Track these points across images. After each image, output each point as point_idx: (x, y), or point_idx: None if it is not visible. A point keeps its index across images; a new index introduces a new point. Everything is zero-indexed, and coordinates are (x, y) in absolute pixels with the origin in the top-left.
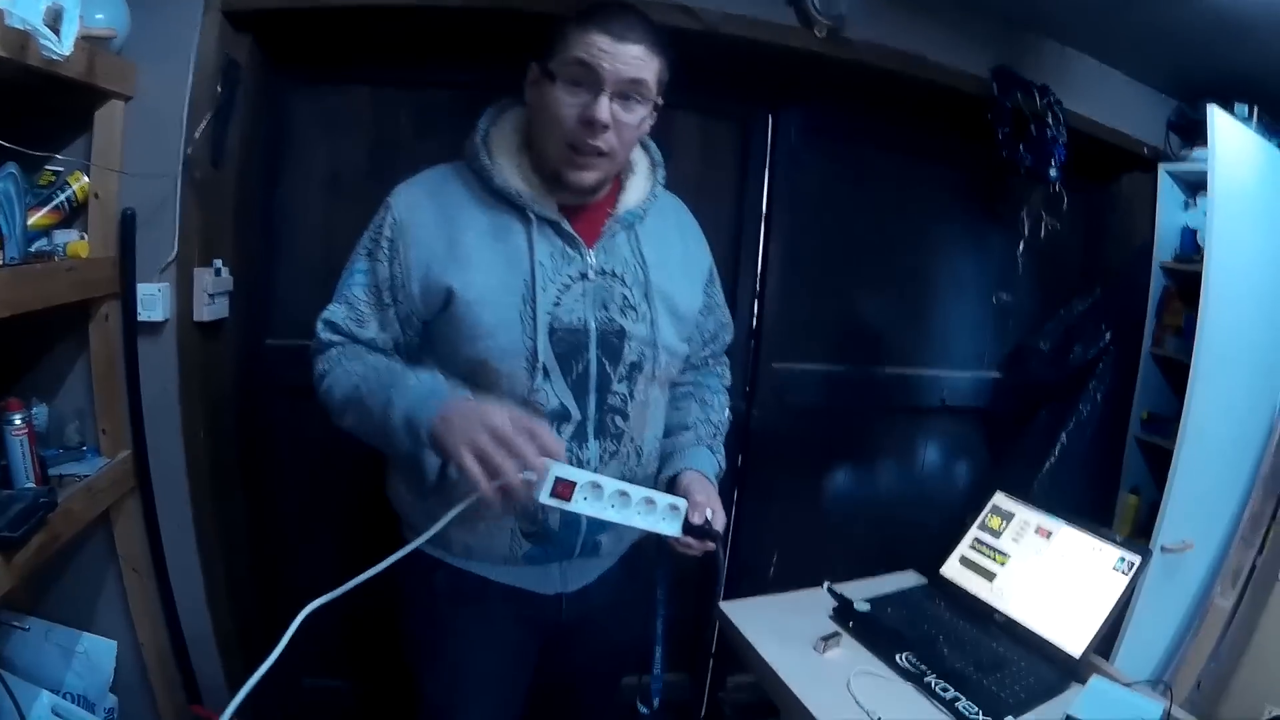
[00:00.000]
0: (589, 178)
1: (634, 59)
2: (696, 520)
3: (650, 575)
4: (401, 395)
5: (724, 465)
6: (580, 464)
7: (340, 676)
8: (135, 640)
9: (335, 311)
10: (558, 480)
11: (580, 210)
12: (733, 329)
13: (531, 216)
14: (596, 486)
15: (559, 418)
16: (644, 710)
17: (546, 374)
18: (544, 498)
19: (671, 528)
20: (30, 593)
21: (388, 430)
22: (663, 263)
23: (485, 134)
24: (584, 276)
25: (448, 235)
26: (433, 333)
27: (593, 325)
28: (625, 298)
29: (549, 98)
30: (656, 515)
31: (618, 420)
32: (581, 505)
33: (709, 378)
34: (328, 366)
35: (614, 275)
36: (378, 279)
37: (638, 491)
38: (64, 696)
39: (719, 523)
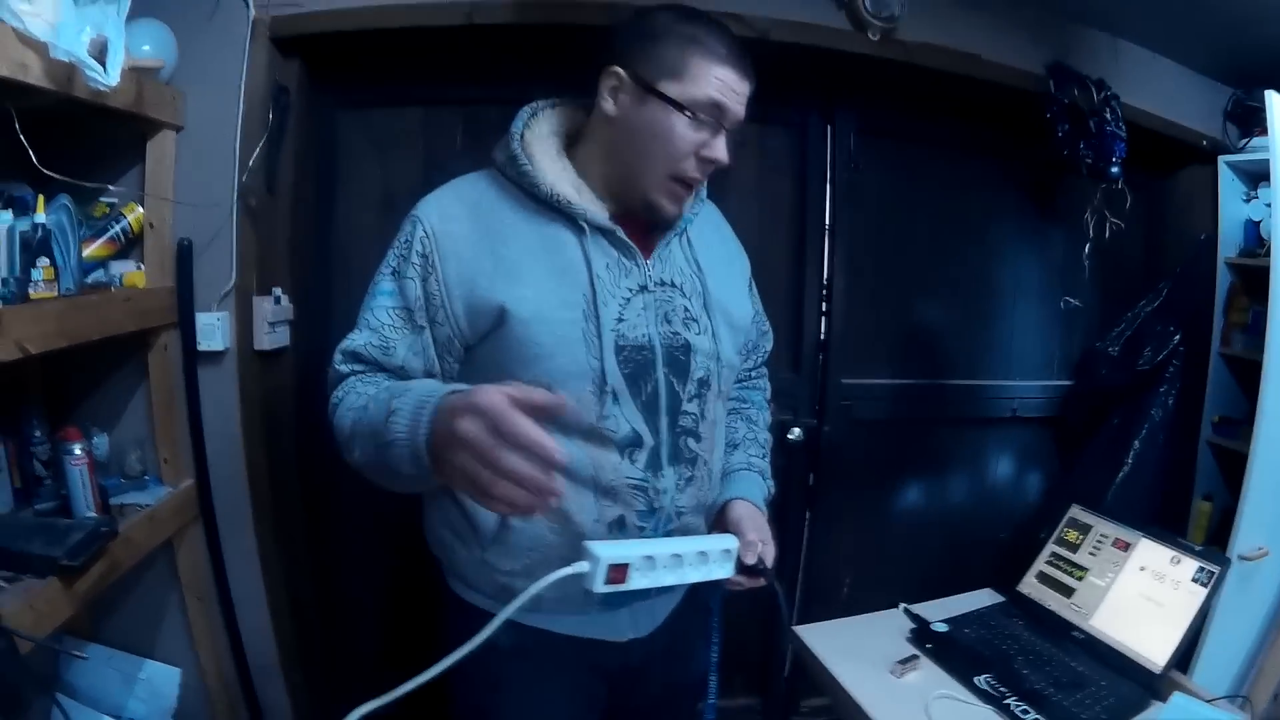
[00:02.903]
0: (679, 210)
1: (747, 99)
2: (749, 560)
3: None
4: (405, 399)
5: (773, 489)
6: (657, 493)
7: None
8: (198, 666)
9: (356, 339)
10: (610, 567)
11: (630, 218)
12: (772, 338)
13: (584, 225)
14: (649, 559)
15: (631, 444)
16: None
17: (616, 397)
18: (599, 588)
19: (724, 570)
20: (93, 620)
21: (393, 454)
22: (715, 270)
23: (521, 138)
24: (644, 289)
25: (491, 248)
26: (479, 358)
27: (657, 341)
28: (686, 309)
29: (664, 125)
30: (710, 564)
31: (691, 443)
32: (638, 581)
33: (752, 393)
34: (341, 395)
35: (673, 286)
36: (407, 299)
37: (689, 546)
38: None
39: (770, 558)
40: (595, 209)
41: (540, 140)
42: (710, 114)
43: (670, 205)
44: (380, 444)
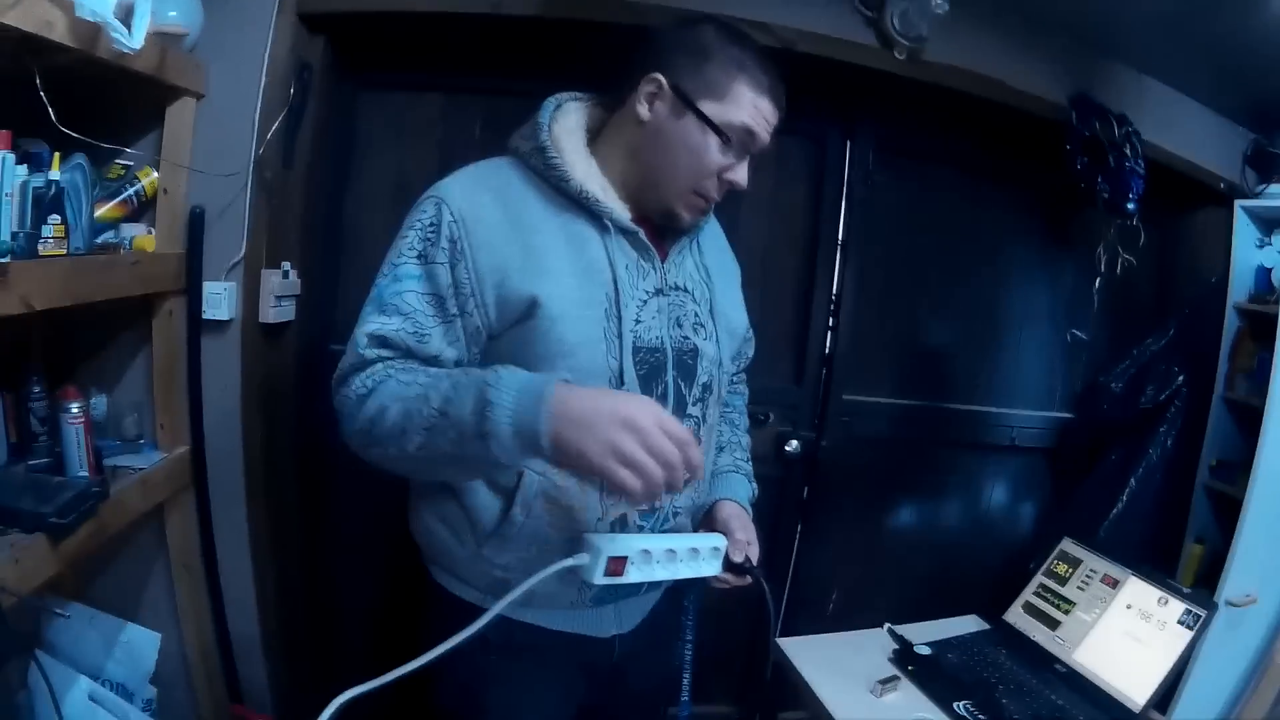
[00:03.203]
0: (695, 220)
1: (774, 130)
2: (737, 558)
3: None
4: (502, 392)
5: (756, 491)
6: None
7: None
8: (180, 635)
9: (386, 324)
10: (610, 559)
11: (645, 221)
12: (754, 345)
13: (609, 224)
14: (645, 552)
15: None
16: None
17: None
18: (598, 579)
19: (713, 567)
20: (77, 580)
21: (482, 443)
22: (719, 278)
23: (549, 129)
24: (660, 292)
25: (521, 238)
26: (498, 350)
27: (668, 344)
28: (696, 315)
29: (695, 141)
30: (701, 560)
31: None
32: (634, 575)
33: (735, 398)
34: (373, 383)
35: (685, 291)
36: (438, 285)
37: (682, 543)
38: (103, 684)
39: (755, 557)
40: (619, 209)
41: (569, 134)
42: (742, 140)
43: (687, 216)
44: (462, 434)
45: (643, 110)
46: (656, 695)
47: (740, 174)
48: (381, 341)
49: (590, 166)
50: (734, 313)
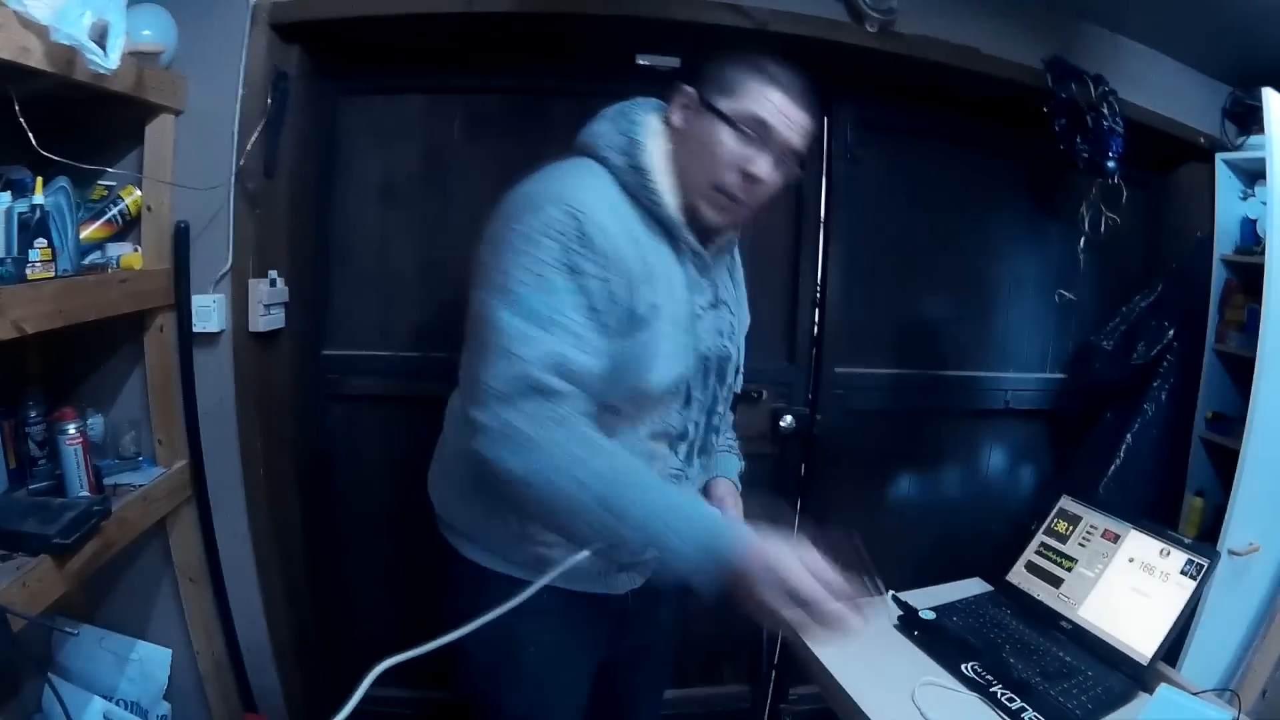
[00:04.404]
0: (721, 221)
1: (804, 130)
2: None
3: None
4: (687, 525)
5: (744, 465)
6: (686, 480)
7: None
8: (190, 648)
9: (557, 344)
10: None
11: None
12: None
13: (681, 244)
14: None
15: (679, 438)
16: None
17: (688, 403)
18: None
19: None
20: (86, 600)
21: (663, 559)
22: (738, 284)
23: (643, 146)
24: (713, 305)
25: (638, 252)
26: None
27: (713, 353)
28: (730, 324)
29: (712, 136)
30: None
31: (713, 437)
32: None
33: None
34: (541, 435)
35: (724, 303)
36: (594, 299)
37: None
38: (117, 703)
39: None
40: (688, 229)
41: (663, 158)
42: (755, 130)
43: (712, 213)
44: (648, 542)
45: (676, 118)
46: (667, 636)
47: (760, 165)
48: (563, 370)
49: (675, 192)
50: (745, 316)
